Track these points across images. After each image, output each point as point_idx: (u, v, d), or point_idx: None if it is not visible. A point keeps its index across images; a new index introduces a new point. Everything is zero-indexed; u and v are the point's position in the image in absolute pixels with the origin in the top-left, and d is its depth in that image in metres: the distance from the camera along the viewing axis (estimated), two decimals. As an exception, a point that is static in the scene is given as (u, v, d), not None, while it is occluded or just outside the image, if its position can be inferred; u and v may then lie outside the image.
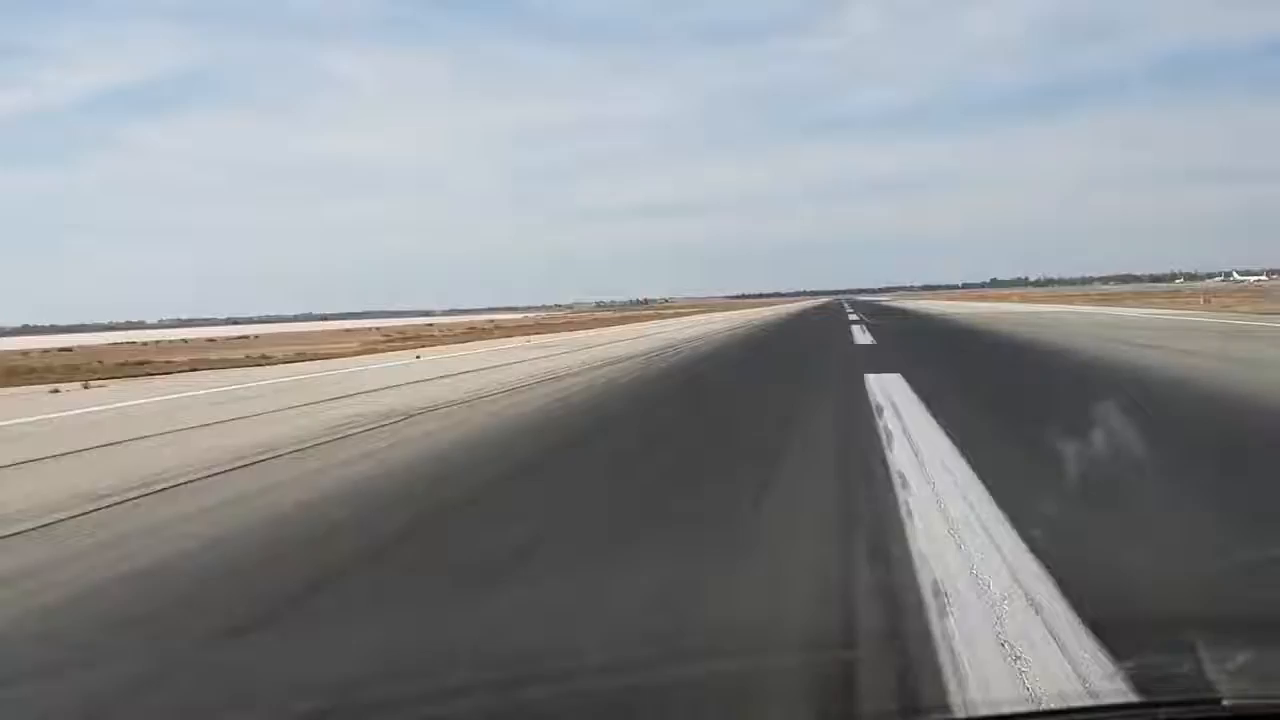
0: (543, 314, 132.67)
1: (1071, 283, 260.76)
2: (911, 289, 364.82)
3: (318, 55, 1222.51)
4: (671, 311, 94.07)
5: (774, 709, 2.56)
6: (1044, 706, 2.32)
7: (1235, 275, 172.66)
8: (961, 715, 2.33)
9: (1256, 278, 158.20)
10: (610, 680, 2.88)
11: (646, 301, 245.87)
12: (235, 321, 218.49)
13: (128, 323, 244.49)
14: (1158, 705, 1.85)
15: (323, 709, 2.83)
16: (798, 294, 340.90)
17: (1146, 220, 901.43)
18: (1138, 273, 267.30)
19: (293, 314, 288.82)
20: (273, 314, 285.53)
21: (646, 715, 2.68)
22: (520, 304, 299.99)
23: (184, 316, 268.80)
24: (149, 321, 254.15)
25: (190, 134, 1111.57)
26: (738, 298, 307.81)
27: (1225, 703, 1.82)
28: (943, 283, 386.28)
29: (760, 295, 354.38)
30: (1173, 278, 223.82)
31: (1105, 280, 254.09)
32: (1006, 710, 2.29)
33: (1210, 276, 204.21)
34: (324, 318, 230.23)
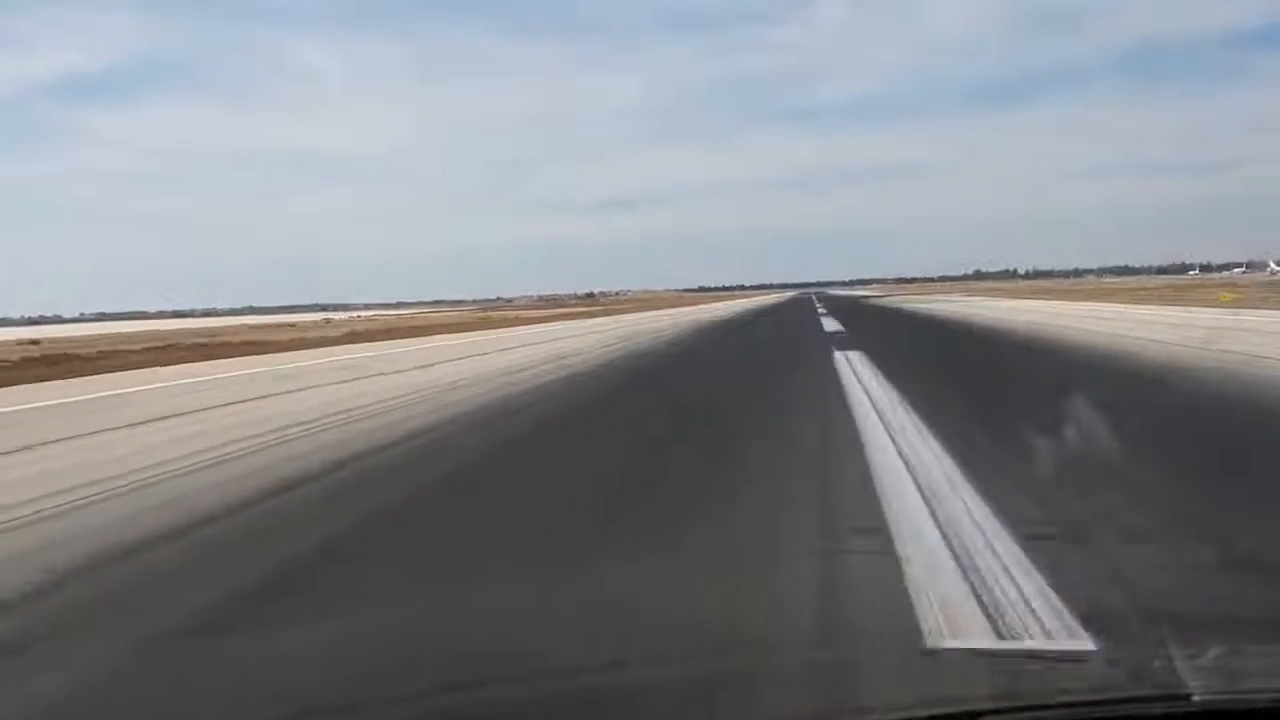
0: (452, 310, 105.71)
1: (1064, 275, 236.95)
2: (884, 281, 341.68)
3: (281, 42, 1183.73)
4: (601, 310, 74.63)
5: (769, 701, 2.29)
6: (1014, 703, 2.03)
7: (1274, 266, 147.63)
8: (925, 714, 1.98)
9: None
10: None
11: (592, 295, 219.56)
12: (179, 314, 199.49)
13: (41, 317, 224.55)
14: (1126, 701, 1.90)
15: None
16: (764, 287, 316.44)
17: (1134, 211, 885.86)
18: (1135, 264, 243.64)
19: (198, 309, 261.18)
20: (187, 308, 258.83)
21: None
22: (471, 297, 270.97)
23: (108, 310, 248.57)
24: (65, 315, 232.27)
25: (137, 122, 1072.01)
26: (697, 290, 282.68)
27: (1195, 698, 1.80)
28: (919, 275, 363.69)
29: (723, 289, 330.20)
30: (1184, 269, 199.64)
31: (1100, 273, 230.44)
32: (974, 708, 1.96)
33: (1226, 268, 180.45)
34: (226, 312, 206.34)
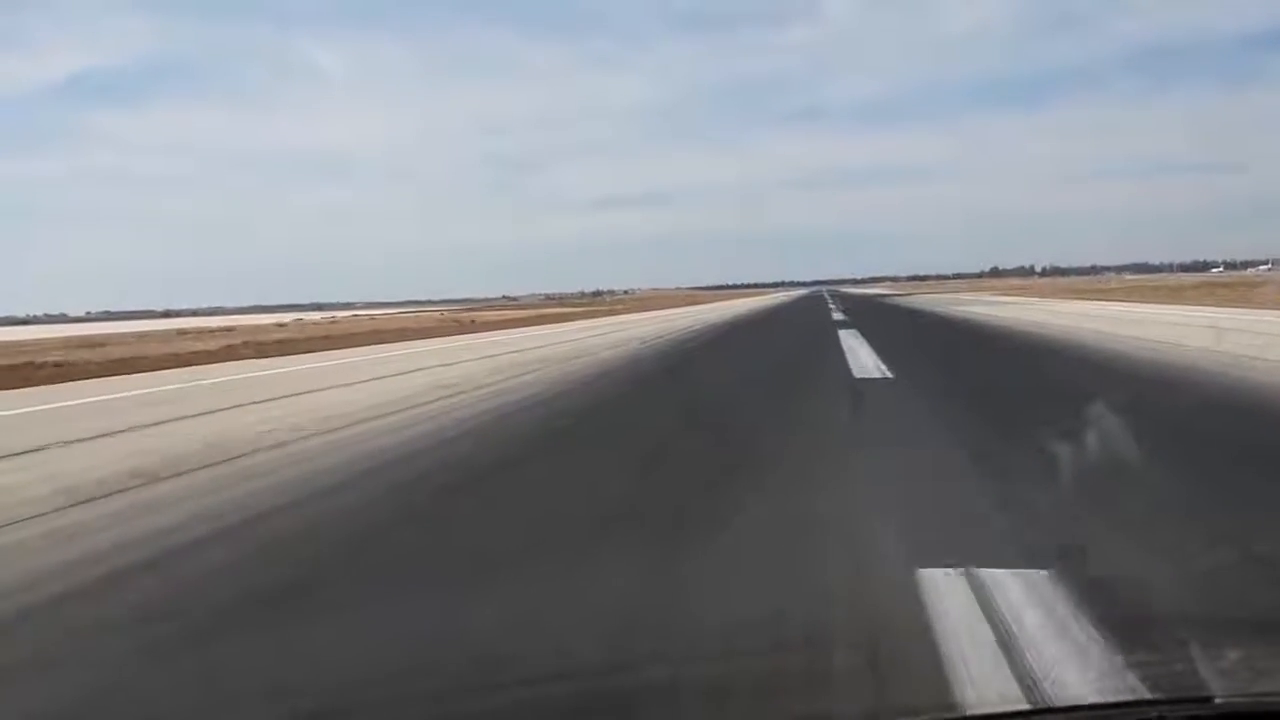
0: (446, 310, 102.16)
1: (1081, 272, 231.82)
2: (898, 279, 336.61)
3: (288, 43, 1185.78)
4: (604, 310, 71.25)
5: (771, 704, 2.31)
6: (1037, 705, 2.16)
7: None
8: (951, 716, 2.16)
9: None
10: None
11: (599, 294, 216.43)
12: (173, 313, 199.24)
13: (46, 315, 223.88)
14: (1150, 703, 1.87)
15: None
16: (777, 285, 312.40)
17: (1150, 208, 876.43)
18: (1153, 261, 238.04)
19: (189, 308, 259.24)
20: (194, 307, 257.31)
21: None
22: (478, 296, 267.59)
23: (113, 309, 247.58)
24: (70, 314, 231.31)
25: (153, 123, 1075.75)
26: (710, 289, 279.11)
27: (1217, 700, 1.75)
28: (933, 273, 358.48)
29: (737, 286, 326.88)
30: (1206, 266, 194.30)
31: (1119, 270, 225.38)
32: (999, 710, 2.12)
33: (1249, 265, 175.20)
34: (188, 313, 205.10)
